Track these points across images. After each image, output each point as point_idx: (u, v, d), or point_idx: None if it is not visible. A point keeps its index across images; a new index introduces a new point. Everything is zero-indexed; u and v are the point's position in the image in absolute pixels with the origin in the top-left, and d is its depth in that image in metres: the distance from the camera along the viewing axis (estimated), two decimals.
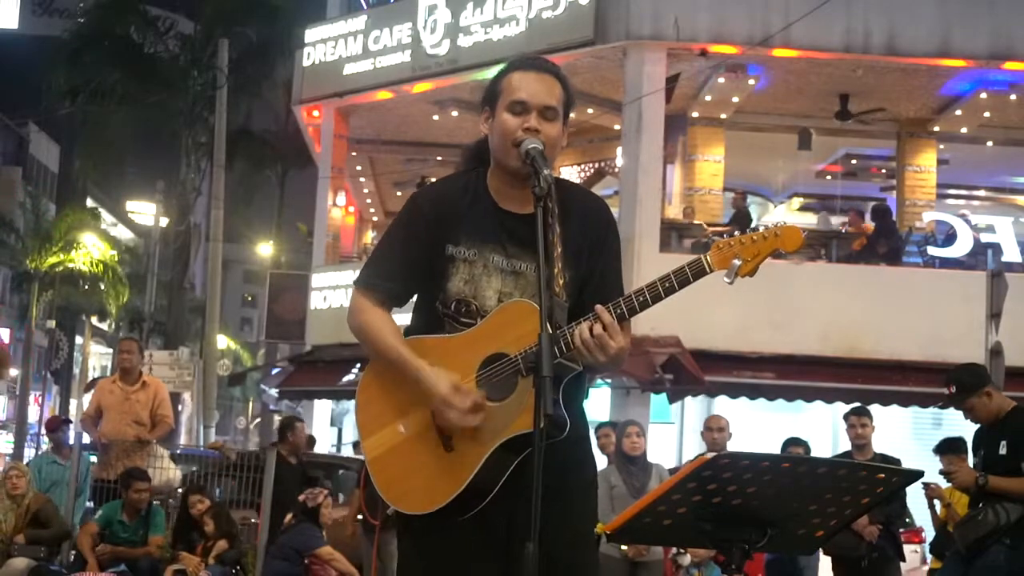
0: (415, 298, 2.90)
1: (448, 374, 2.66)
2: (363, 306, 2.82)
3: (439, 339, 2.76)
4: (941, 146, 17.57)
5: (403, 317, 2.88)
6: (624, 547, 7.23)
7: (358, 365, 15.73)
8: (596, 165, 18.38)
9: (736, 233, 2.65)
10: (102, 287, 29.77)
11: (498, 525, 2.68)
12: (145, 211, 37.75)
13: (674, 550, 7.56)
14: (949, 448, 6.36)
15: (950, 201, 18.90)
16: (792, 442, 8.43)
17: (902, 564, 7.39)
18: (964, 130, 17.11)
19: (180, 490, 9.27)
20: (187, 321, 29.50)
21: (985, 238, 14.84)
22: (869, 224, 15.98)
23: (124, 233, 42.16)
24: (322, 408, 19.34)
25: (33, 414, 34.49)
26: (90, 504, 9.32)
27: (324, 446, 19.69)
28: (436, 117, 17.80)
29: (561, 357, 2.58)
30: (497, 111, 2.74)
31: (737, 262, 2.55)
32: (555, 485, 2.59)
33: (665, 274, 2.57)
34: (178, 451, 13.14)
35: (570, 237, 2.70)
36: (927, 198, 17.36)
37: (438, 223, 2.79)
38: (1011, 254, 14.52)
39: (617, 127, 15.89)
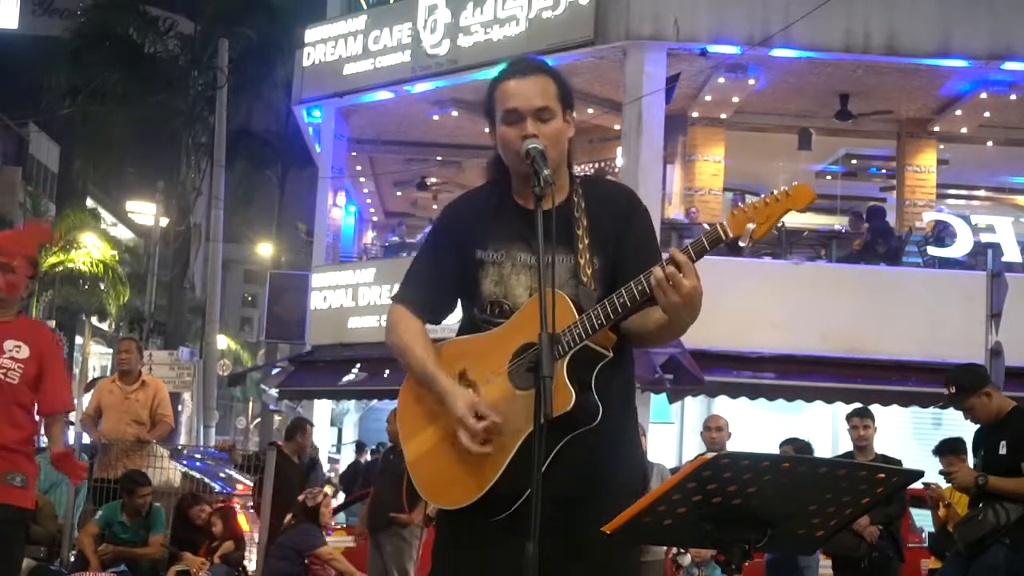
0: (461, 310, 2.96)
1: (467, 394, 2.69)
2: (397, 321, 2.88)
3: (474, 339, 2.81)
4: (941, 146, 17.56)
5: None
6: None
7: (358, 365, 15.75)
8: (596, 165, 18.37)
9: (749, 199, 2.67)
10: (102, 287, 29.77)
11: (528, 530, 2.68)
12: (145, 211, 37.74)
13: (674, 550, 7.57)
14: (948, 449, 6.36)
15: (950, 201, 18.90)
16: (787, 442, 8.46)
17: None
18: (964, 130, 17.11)
19: (176, 485, 9.29)
20: (187, 321, 29.53)
21: (985, 238, 14.83)
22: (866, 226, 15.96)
23: (124, 233, 42.14)
24: (322, 408, 19.33)
25: None
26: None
27: (324, 446, 19.70)
28: (436, 117, 17.80)
29: (588, 339, 2.59)
30: (497, 124, 2.79)
31: (751, 226, 2.57)
32: (594, 479, 2.65)
33: (683, 246, 2.59)
34: (180, 452, 13.15)
35: (596, 226, 2.75)
36: (927, 198, 17.36)
37: (465, 231, 2.85)
38: (1011, 254, 14.51)
39: (617, 127, 15.89)
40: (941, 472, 6.20)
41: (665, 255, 2.60)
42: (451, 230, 2.89)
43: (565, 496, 2.61)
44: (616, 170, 16.81)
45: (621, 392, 2.83)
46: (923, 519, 9.66)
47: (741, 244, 2.58)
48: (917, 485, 6.70)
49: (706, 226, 2.63)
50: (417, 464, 2.85)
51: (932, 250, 14.84)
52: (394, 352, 2.89)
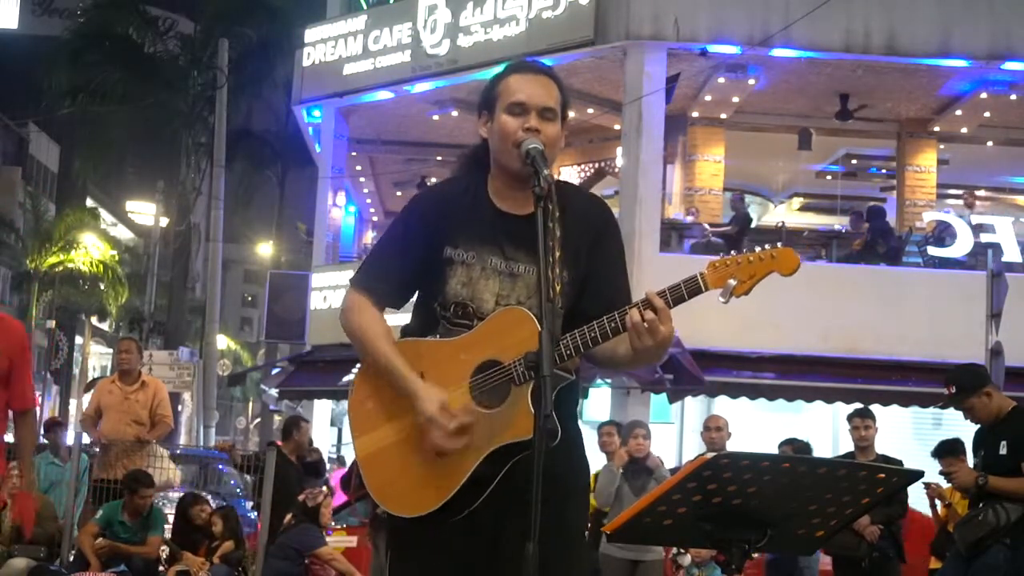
0: (414, 297, 2.90)
1: (438, 392, 2.65)
2: (357, 306, 2.82)
3: (433, 343, 2.76)
4: (941, 146, 17.56)
5: (399, 317, 2.89)
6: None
7: (358, 365, 15.73)
8: (596, 165, 18.37)
9: (732, 253, 2.63)
10: (102, 287, 29.80)
11: (486, 529, 2.68)
12: (145, 211, 37.76)
13: (674, 550, 7.58)
14: (947, 451, 6.37)
15: (950, 201, 18.89)
16: (786, 442, 8.46)
17: None
18: (964, 130, 17.11)
19: (177, 485, 9.30)
20: (187, 321, 29.53)
21: (985, 238, 14.82)
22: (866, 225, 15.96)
23: (124, 233, 42.16)
24: (322, 408, 19.33)
25: None
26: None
27: (324, 446, 19.71)
28: (436, 117, 17.80)
29: (556, 367, 2.58)
30: (496, 114, 2.75)
31: (732, 282, 2.55)
32: (547, 493, 2.60)
33: (660, 290, 2.57)
34: (178, 451, 13.19)
35: (568, 238, 2.70)
36: (927, 198, 17.35)
37: (436, 225, 2.80)
38: (1011, 254, 14.51)
39: (617, 127, 15.89)
40: (941, 473, 6.19)
41: (658, 282, 2.60)
42: (422, 222, 2.82)
43: (525, 500, 2.55)
44: (616, 170, 16.81)
45: (572, 406, 2.82)
46: None
47: (721, 299, 2.56)
48: (917, 486, 6.72)
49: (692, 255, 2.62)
50: (370, 463, 2.79)
51: (932, 250, 14.84)
52: (351, 337, 2.82)
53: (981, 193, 19.80)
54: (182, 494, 9.52)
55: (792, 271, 2.56)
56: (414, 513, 2.70)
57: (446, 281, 2.77)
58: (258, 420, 39.77)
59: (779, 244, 2.62)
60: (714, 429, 8.05)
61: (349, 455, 20.54)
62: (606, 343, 2.62)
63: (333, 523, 9.85)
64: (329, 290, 17.60)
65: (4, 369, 4.53)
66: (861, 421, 7.45)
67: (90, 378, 28.68)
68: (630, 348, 2.61)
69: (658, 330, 2.54)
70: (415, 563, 2.78)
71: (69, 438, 11.30)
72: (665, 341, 2.56)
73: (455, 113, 17.31)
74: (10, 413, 4.65)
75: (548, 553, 2.58)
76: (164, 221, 29.50)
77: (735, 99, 16.18)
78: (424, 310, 2.84)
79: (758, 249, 2.59)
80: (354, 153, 19.97)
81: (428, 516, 2.68)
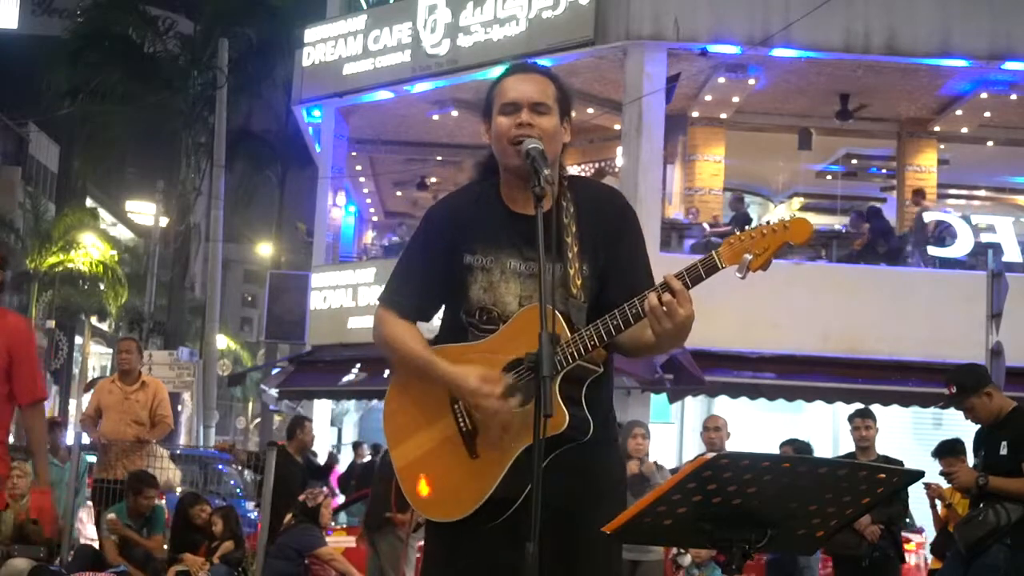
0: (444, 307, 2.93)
1: (473, 368, 2.67)
2: (385, 320, 2.86)
3: (461, 347, 2.78)
4: (941, 146, 17.56)
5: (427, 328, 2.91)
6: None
7: (358, 365, 15.74)
8: (596, 165, 18.37)
9: (747, 227, 2.64)
10: (102, 287, 29.78)
11: (523, 536, 2.68)
12: (145, 211, 37.75)
13: (674, 550, 7.58)
14: (947, 451, 6.37)
15: (950, 201, 18.90)
16: (786, 443, 8.47)
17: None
18: (964, 130, 17.11)
19: (179, 490, 9.29)
20: (187, 321, 29.54)
21: (985, 238, 14.82)
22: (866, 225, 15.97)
23: (124, 233, 42.11)
24: (322, 408, 19.33)
25: None
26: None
27: (324, 446, 19.70)
28: (436, 117, 17.80)
29: (581, 359, 2.59)
30: (493, 117, 2.78)
31: (748, 257, 2.55)
32: (582, 488, 2.61)
33: (678, 271, 2.57)
34: (178, 451, 13.20)
35: (585, 232, 2.73)
36: (927, 198, 17.35)
37: (453, 235, 2.82)
38: (1011, 254, 14.51)
39: (617, 127, 15.89)
40: (941, 473, 6.19)
41: (659, 279, 2.60)
42: (440, 233, 2.85)
43: (555, 505, 2.55)
44: (616, 170, 16.80)
45: (606, 402, 2.83)
46: (925, 519, 9.65)
47: (738, 275, 2.56)
48: (919, 487, 6.72)
49: (704, 234, 2.62)
50: (407, 471, 2.81)
51: (932, 250, 14.84)
52: (383, 347, 2.85)
53: (981, 193, 19.85)
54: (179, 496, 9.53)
55: (806, 240, 2.55)
56: (452, 517, 2.71)
57: (468, 288, 2.79)
58: (258, 420, 39.75)
59: (795, 214, 2.62)
60: (713, 429, 8.06)
61: (347, 456, 20.57)
62: (630, 330, 2.62)
63: (333, 523, 9.86)
64: (329, 290, 17.59)
65: (3, 362, 4.48)
66: (862, 421, 7.45)
67: (90, 378, 28.68)
68: (651, 335, 2.61)
69: (676, 312, 2.53)
70: (454, 569, 2.79)
71: (69, 438, 11.30)
72: (685, 324, 2.56)
73: (455, 113, 17.31)
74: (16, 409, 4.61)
75: (575, 559, 2.62)
76: (164, 221, 29.51)
77: (735, 99, 16.19)
78: (452, 319, 2.86)
79: (771, 221, 2.59)
80: (354, 153, 19.98)
81: (466, 521, 2.68)
